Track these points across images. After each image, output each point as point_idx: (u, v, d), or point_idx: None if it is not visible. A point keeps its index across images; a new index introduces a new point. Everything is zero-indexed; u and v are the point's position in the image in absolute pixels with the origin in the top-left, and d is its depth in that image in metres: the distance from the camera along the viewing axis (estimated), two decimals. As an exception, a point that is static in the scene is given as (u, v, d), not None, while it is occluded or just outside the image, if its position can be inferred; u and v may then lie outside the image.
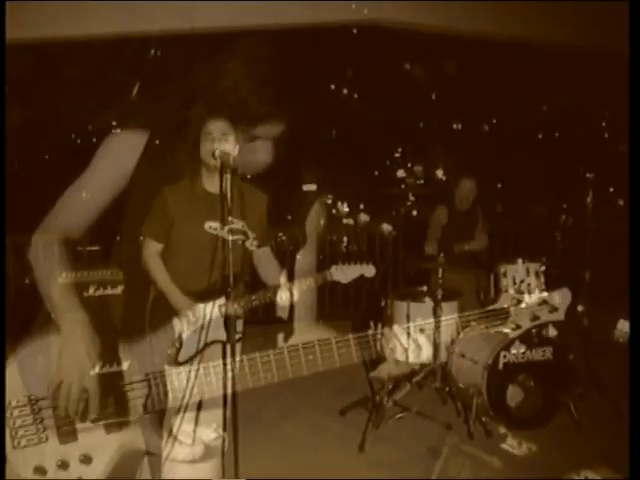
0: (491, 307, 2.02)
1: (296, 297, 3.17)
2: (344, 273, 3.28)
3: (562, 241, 5.11)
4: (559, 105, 11.06)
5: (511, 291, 4.70)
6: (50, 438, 2.12)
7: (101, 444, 2.17)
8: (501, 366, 4.51)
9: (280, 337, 5.84)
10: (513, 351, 4.52)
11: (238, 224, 2.91)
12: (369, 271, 3.31)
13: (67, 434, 2.14)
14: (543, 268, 4.94)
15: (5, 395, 2.12)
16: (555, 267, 5.02)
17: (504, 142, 12.92)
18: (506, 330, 2.00)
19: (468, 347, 4.79)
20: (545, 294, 2.01)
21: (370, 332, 2.04)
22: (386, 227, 4.88)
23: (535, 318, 2.01)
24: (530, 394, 4.53)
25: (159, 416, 2.32)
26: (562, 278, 4.98)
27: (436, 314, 4.68)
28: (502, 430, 4.47)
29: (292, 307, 5.18)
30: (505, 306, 2.02)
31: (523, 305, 2.01)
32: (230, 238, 2.36)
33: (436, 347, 4.71)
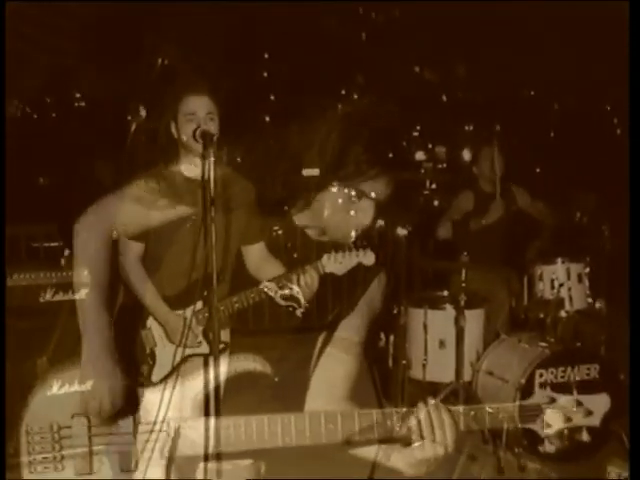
0: (524, 402, 2.19)
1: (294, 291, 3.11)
2: (338, 263, 3.13)
3: (611, 238, 5.09)
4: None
5: (548, 296, 4.77)
6: (66, 468, 2.41)
7: None
8: (537, 387, 4.51)
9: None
10: (551, 369, 4.53)
11: (293, 290, 2.98)
12: (368, 258, 3.15)
13: (83, 466, 2.43)
14: (587, 270, 4.94)
15: (5, 395, 2.42)
16: (602, 269, 5.01)
17: (544, 116, 12.91)
18: (535, 428, 2.18)
19: (497, 364, 4.80)
20: (582, 397, 2.16)
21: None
22: (400, 231, 4.88)
23: (568, 420, 2.16)
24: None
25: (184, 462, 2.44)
26: (610, 282, 5.00)
27: (458, 324, 4.69)
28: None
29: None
30: (538, 403, 2.18)
31: (557, 404, 2.16)
32: (283, 303, 2.49)
33: (459, 363, 4.73)
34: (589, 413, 2.13)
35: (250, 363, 2.57)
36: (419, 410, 2.10)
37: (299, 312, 2.98)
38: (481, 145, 5.78)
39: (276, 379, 2.65)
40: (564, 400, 2.12)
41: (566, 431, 2.62)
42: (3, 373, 2.46)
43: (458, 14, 10.54)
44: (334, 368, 3.22)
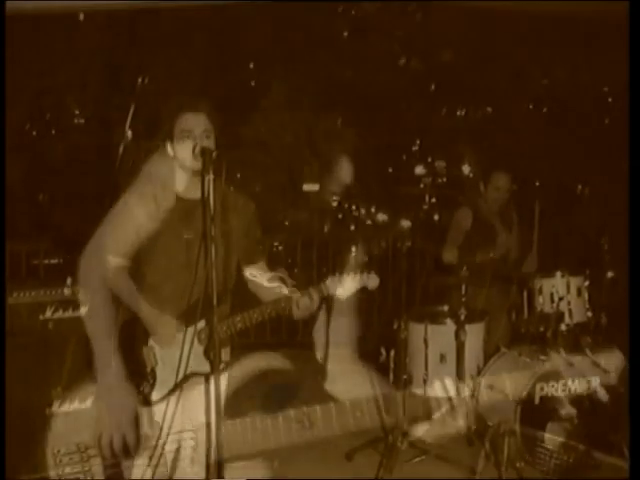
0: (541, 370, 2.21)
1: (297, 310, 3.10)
2: (342, 286, 3.09)
3: (609, 251, 5.11)
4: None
5: (548, 310, 4.79)
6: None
7: None
8: (538, 400, 4.51)
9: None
10: (552, 382, 4.53)
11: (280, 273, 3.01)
12: (372, 282, 3.17)
13: None
14: (587, 283, 4.97)
15: (5, 395, 2.51)
16: (602, 282, 5.02)
17: (543, 130, 12.91)
18: (557, 393, 2.20)
19: (498, 377, 4.80)
20: (597, 356, 2.18)
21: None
22: (405, 223, 4.91)
23: (587, 383, 2.18)
24: (573, 434, 4.53)
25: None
26: (610, 296, 5.01)
27: (459, 338, 4.71)
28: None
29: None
30: (556, 367, 2.20)
31: (574, 366, 2.19)
32: (268, 285, 2.49)
33: (460, 377, 4.74)
34: (605, 372, 2.13)
35: (271, 361, 2.58)
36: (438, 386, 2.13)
37: (286, 290, 3.00)
38: (492, 169, 5.83)
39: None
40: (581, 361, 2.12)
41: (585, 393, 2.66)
42: (3, 380, 2.48)
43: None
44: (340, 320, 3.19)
